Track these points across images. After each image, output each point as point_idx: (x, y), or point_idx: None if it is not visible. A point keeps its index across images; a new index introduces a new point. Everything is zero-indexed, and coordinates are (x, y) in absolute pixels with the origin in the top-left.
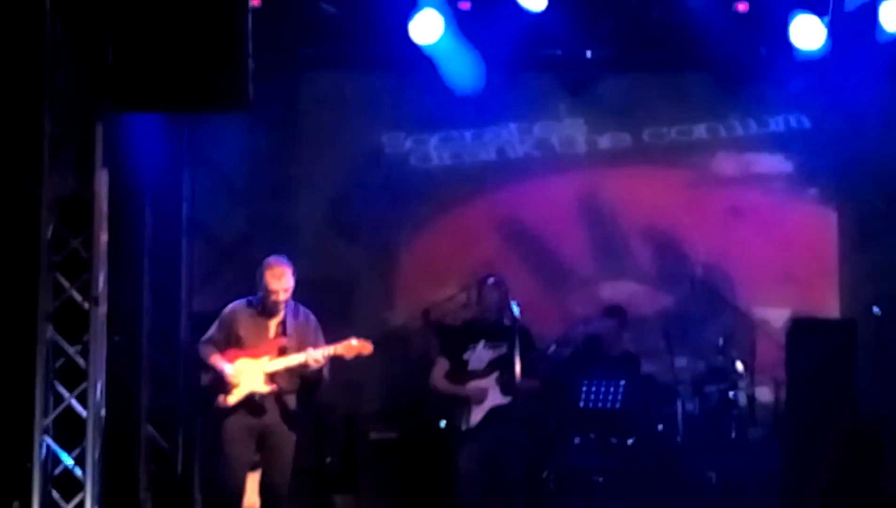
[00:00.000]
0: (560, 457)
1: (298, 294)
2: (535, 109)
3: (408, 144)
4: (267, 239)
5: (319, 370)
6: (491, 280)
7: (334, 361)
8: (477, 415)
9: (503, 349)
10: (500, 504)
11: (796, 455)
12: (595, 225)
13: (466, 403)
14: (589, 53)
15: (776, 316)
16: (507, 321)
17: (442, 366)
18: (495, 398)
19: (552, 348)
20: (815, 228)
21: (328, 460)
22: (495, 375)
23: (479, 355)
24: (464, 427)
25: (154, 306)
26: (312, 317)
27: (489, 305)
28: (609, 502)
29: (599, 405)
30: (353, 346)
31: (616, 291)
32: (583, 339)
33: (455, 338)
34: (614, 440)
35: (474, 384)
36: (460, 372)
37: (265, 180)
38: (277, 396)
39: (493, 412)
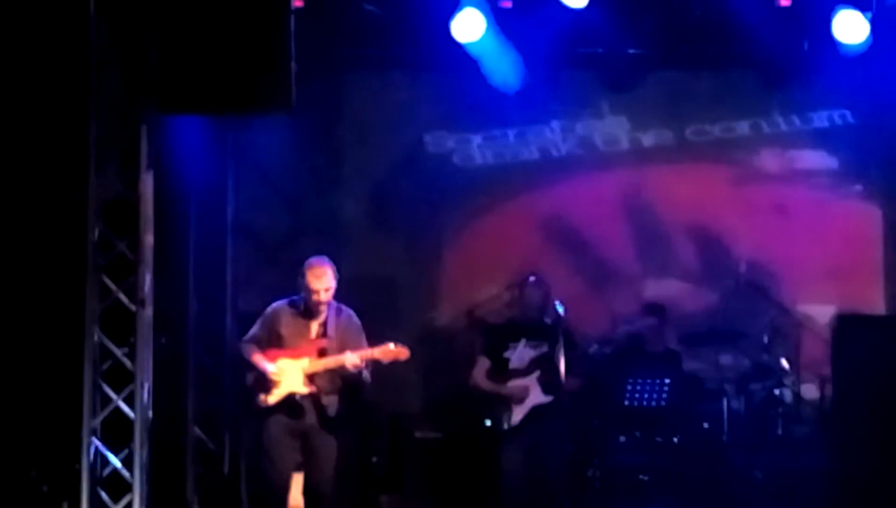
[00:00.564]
0: (605, 456)
1: (342, 294)
2: (577, 108)
3: (451, 143)
4: (311, 239)
5: (359, 373)
6: (532, 279)
7: (377, 362)
8: (518, 414)
9: (544, 348)
10: (545, 503)
11: (843, 453)
12: (639, 223)
13: (507, 402)
14: (631, 50)
15: (821, 313)
16: (548, 320)
17: (483, 365)
18: (537, 396)
19: (594, 347)
20: (860, 224)
21: (374, 460)
22: (536, 374)
23: (521, 353)
24: (505, 426)
25: (200, 307)
26: (356, 318)
27: (530, 304)
28: (655, 500)
29: (644, 403)
30: (391, 351)
31: (660, 288)
32: (625, 337)
33: (496, 337)
34: (659, 439)
35: (515, 383)
36: (501, 371)
37: (309, 181)
38: (317, 397)
39: (535, 411)
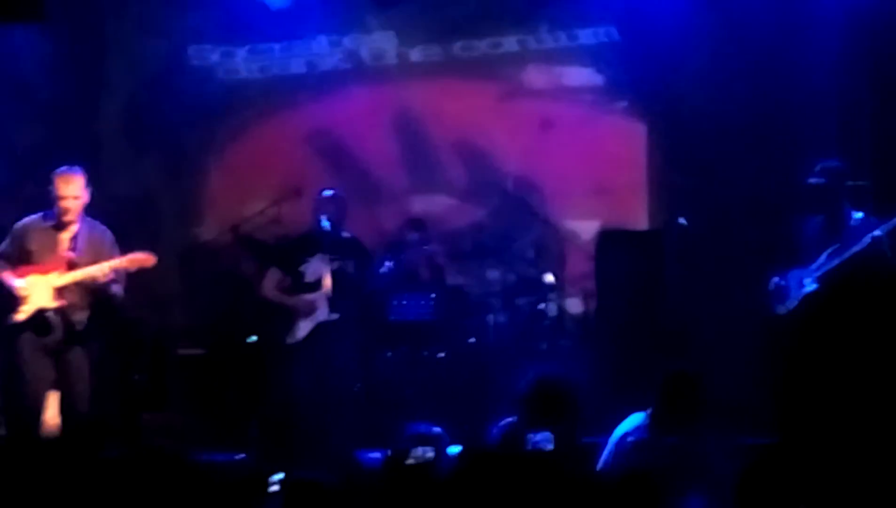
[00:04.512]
0: (372, 371)
1: (103, 211)
2: (345, 22)
3: (215, 56)
4: (70, 153)
5: (109, 286)
6: (328, 193)
7: (142, 277)
8: (303, 329)
9: (338, 264)
10: (324, 421)
11: (605, 363)
12: (406, 138)
13: (293, 316)
14: None
15: (586, 228)
16: (346, 234)
17: (273, 276)
18: (323, 313)
19: (385, 266)
20: (625, 141)
21: (136, 377)
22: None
23: (315, 267)
24: (288, 341)
25: None
26: (109, 233)
27: (326, 217)
28: (421, 414)
29: (410, 318)
30: (136, 258)
31: (428, 204)
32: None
33: (291, 249)
34: (426, 353)
35: (305, 297)
36: (295, 284)
37: (67, 92)
38: (67, 312)
39: (321, 327)
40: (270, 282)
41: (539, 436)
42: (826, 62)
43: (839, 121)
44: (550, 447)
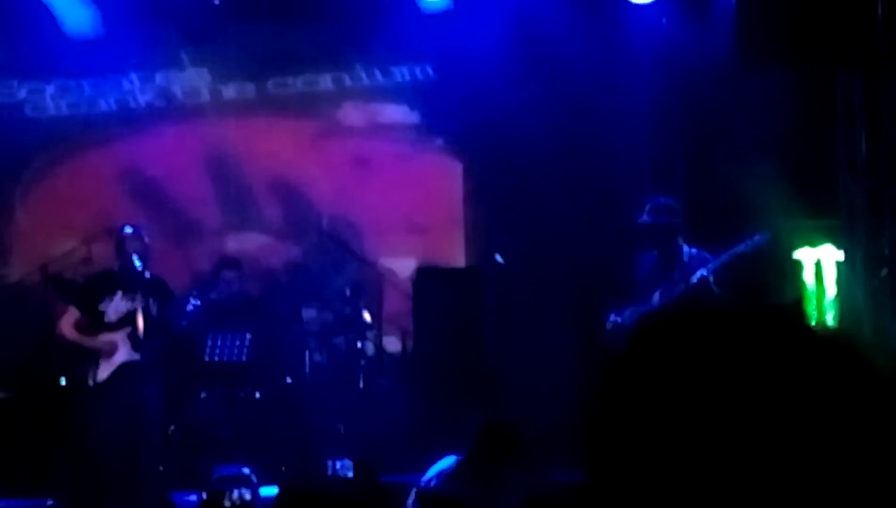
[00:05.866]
0: (186, 412)
1: None
2: (156, 58)
3: (22, 93)
4: None
5: None
6: (129, 230)
7: None
8: (105, 371)
9: (139, 303)
10: (135, 464)
11: (423, 402)
12: (220, 176)
13: (95, 357)
14: (216, 1)
15: (403, 266)
16: (148, 274)
17: (71, 315)
18: (126, 353)
19: (191, 304)
20: (441, 178)
21: None
22: (128, 330)
23: (117, 306)
24: (91, 383)
25: None
26: None
27: (128, 255)
28: (236, 456)
29: (225, 358)
30: None
31: (242, 243)
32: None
33: (91, 288)
34: (242, 394)
35: (105, 338)
36: (95, 323)
37: None
38: None
39: (124, 368)
40: (68, 321)
41: (339, 463)
42: (639, 102)
43: (651, 159)
44: (350, 473)
